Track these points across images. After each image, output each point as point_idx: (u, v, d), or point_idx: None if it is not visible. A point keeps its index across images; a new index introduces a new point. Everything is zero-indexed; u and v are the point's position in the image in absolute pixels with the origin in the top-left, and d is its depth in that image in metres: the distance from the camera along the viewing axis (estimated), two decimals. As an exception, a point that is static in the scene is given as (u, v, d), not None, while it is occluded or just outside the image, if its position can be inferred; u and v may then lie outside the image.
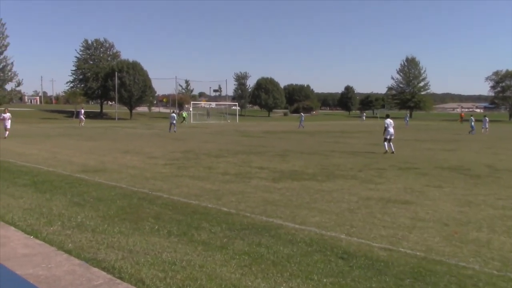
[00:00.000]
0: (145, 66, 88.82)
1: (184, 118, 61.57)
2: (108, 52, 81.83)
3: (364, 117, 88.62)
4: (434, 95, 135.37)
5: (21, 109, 74.21)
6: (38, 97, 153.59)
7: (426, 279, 5.17)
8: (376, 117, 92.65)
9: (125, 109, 78.82)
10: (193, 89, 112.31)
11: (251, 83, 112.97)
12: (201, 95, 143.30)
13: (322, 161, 16.93)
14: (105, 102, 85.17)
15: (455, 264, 5.65)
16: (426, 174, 13.73)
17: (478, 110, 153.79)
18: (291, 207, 8.80)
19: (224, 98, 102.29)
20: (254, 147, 23.16)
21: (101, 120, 67.30)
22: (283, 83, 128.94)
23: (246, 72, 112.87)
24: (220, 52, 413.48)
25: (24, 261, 5.55)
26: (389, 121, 21.03)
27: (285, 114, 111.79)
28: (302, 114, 53.65)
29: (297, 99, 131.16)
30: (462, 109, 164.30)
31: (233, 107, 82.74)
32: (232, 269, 5.35)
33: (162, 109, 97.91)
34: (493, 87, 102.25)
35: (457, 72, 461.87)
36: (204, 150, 21.02)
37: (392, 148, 20.21)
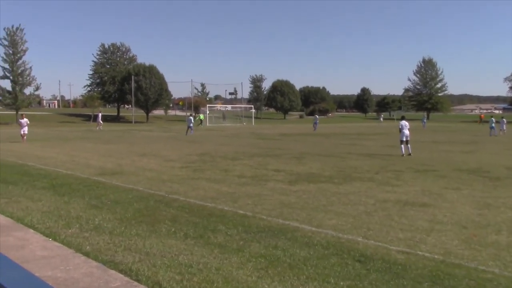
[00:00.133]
0: (161, 69, 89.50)
1: (201, 120, 61.92)
2: (124, 56, 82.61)
3: (382, 119, 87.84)
4: (451, 96, 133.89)
5: (40, 113, 75.26)
6: (56, 101, 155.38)
7: (445, 283, 5.10)
8: (393, 119, 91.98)
9: (141, 113, 79.42)
10: (208, 92, 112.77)
11: (266, 85, 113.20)
12: (217, 98, 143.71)
13: (339, 163, 16.85)
14: (122, 105, 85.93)
15: (474, 268, 5.57)
16: (444, 176, 13.58)
17: (497, 111, 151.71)
18: (308, 210, 8.77)
19: (240, 100, 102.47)
20: (270, 149, 23.14)
21: (118, 123, 67.92)
22: (298, 85, 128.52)
23: (261, 75, 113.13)
24: (236, 55, 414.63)
25: (43, 263, 5.61)
26: (404, 122, 20.78)
27: (300, 117, 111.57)
28: (316, 116, 53.45)
29: (313, 101, 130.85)
30: (481, 111, 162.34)
31: (250, 110, 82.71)
32: (248, 272, 5.34)
33: (178, 112, 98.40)
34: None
35: (475, 73, 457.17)
36: (220, 152, 21.06)
37: (409, 150, 19.99)
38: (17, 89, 60.16)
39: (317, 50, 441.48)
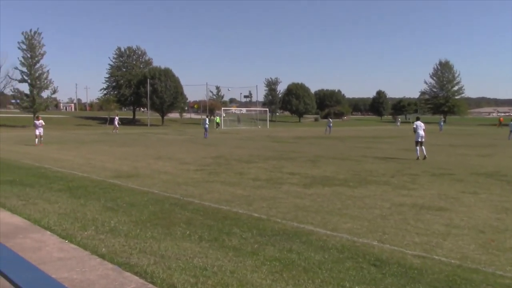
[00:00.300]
0: (177, 72, 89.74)
1: (217, 123, 62.25)
2: (140, 59, 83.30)
3: (399, 123, 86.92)
4: (468, 99, 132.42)
5: (57, 116, 76.10)
6: (72, 104, 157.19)
7: (462, 288, 5.04)
8: (410, 122, 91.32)
9: (157, 116, 79.91)
10: (223, 95, 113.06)
11: (281, 88, 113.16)
12: (232, 101, 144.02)
13: (354, 166, 16.76)
14: (137, 108, 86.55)
15: (491, 273, 5.49)
16: (461, 180, 13.43)
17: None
18: (323, 213, 8.73)
19: (255, 104, 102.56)
20: (285, 152, 23.11)
21: (134, 126, 68.39)
22: (313, 88, 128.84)
23: (277, 78, 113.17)
24: (251, 58, 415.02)
25: (59, 265, 5.66)
26: (419, 123, 20.54)
27: (316, 120, 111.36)
28: (330, 119, 53.25)
29: (328, 104, 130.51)
30: (499, 114, 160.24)
31: (265, 113, 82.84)
32: (263, 275, 5.33)
33: (193, 115, 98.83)
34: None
35: (493, 76, 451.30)
36: (235, 155, 21.09)
37: (424, 152, 19.63)
38: (34, 92, 60.92)
39: (333, 53, 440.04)
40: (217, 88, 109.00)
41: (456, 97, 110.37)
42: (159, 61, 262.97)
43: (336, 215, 8.61)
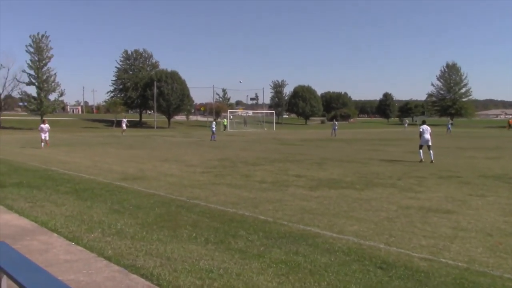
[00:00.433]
0: (183, 75, 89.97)
1: (225, 125, 62.50)
2: (147, 62, 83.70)
3: (406, 124, 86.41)
4: (476, 101, 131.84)
5: (64, 118, 76.60)
6: (79, 107, 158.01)
7: (469, 291, 5.01)
8: (417, 124, 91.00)
9: (163, 118, 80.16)
10: (230, 97, 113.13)
11: (288, 91, 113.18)
12: (238, 103, 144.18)
13: (360, 169, 16.72)
14: (144, 111, 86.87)
15: (499, 276, 5.46)
16: (468, 182, 13.36)
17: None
18: (329, 216, 8.71)
19: (261, 106, 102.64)
20: (291, 155, 23.10)
21: (141, 128, 68.63)
22: (320, 90, 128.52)
23: (283, 80, 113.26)
24: (257, 60, 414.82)
25: (66, 267, 5.68)
26: (425, 127, 20.31)
27: (322, 122, 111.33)
28: (335, 122, 53.13)
29: (335, 106, 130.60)
30: (506, 116, 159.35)
31: (271, 115, 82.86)
32: (269, 278, 5.32)
33: (200, 118, 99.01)
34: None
35: (500, 78, 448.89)
36: (241, 158, 21.10)
37: (431, 156, 19.45)
38: (42, 95, 61.39)
39: (339, 55, 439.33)
40: (224, 90, 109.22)
41: (463, 99, 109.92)
42: (165, 63, 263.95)
43: (342, 217, 8.58)
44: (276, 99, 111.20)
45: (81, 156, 21.95)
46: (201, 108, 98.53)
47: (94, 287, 5.04)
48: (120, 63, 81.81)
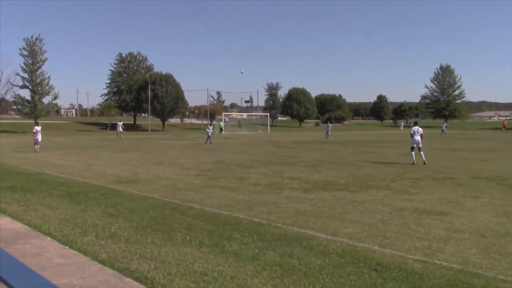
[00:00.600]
0: (178, 78, 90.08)
1: (221, 128, 62.59)
2: (141, 65, 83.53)
3: (402, 127, 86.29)
4: (469, 103, 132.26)
5: (57, 121, 76.28)
6: (73, 110, 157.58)
7: (463, 292, 5.03)
8: (411, 126, 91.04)
9: (158, 121, 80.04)
10: (224, 100, 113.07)
11: (282, 93, 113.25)
12: (233, 106, 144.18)
13: (355, 171, 16.75)
14: (138, 114, 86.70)
15: (493, 277, 5.48)
16: (462, 184, 13.41)
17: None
18: (323, 218, 8.72)
19: (256, 108, 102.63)
20: (285, 157, 23.11)
21: (135, 132, 68.43)
22: (314, 93, 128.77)
23: (277, 83, 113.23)
24: (252, 63, 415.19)
25: (60, 270, 5.65)
26: (416, 128, 20.29)
27: (316, 124, 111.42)
28: (329, 124, 53.11)
29: (329, 109, 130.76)
30: (500, 117, 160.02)
31: (265, 118, 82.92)
32: (263, 280, 5.32)
33: (194, 121, 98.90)
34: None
35: (494, 79, 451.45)
36: (236, 160, 21.09)
37: (423, 157, 19.46)
38: (36, 98, 61.08)
39: (333, 58, 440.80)
40: (218, 93, 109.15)
41: (457, 101, 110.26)
42: (160, 66, 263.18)
43: (336, 219, 8.59)
44: (271, 101, 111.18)
45: (75, 159, 21.87)
46: (196, 111, 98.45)
47: (88, 291, 5.02)
48: (114, 66, 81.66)
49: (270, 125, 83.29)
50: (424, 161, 19.20)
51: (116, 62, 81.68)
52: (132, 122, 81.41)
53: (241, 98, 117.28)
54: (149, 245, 6.74)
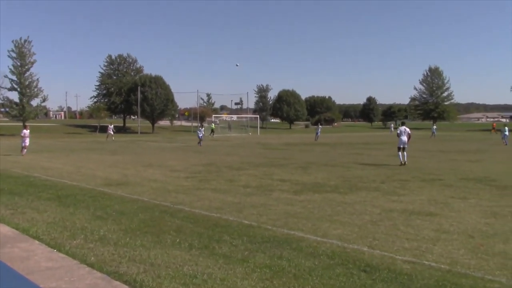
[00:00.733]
0: (168, 80, 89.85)
1: (212, 130, 62.66)
2: (131, 67, 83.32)
3: (392, 128, 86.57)
4: (458, 105, 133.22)
5: (46, 124, 75.78)
6: (62, 112, 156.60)
7: (451, 293, 5.05)
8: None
9: (147, 123, 79.78)
10: (214, 102, 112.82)
11: (272, 95, 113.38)
12: (223, 108, 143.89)
13: (344, 173, 16.81)
14: (128, 116, 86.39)
15: (481, 277, 5.52)
16: (450, 185, 13.51)
17: (503, 120, 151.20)
18: (313, 220, 8.73)
19: (246, 111, 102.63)
20: (275, 159, 23.13)
21: (124, 134, 68.14)
22: (304, 95, 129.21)
23: (267, 85, 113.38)
24: (242, 65, 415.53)
25: (48, 274, 5.60)
26: (403, 128, 20.42)
27: (306, 126, 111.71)
28: (319, 126, 53.16)
29: (319, 111, 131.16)
30: (488, 119, 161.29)
31: (257, 120, 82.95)
32: (253, 283, 5.31)
33: (184, 123, 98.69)
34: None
35: (482, 81, 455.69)
36: (226, 163, 21.07)
37: (405, 158, 19.64)
38: (24, 100, 60.67)
39: (323, 60, 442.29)
40: (208, 95, 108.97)
41: (446, 103, 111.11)
42: (150, 68, 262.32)
43: (326, 221, 8.61)
44: (261, 103, 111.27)
45: (64, 162, 21.73)
46: (185, 113, 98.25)
47: (76, 295, 4.99)
48: (104, 68, 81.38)
49: (260, 127, 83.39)
50: (405, 162, 19.35)
51: (106, 64, 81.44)
52: (122, 125, 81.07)
53: (231, 100, 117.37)
54: (138, 248, 6.71)
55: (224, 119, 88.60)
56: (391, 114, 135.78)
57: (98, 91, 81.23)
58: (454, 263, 6.04)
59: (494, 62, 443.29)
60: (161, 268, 5.79)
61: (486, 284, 5.30)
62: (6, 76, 60.52)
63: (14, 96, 62.12)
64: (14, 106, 60.77)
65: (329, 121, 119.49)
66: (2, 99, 62.84)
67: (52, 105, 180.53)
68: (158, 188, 12.89)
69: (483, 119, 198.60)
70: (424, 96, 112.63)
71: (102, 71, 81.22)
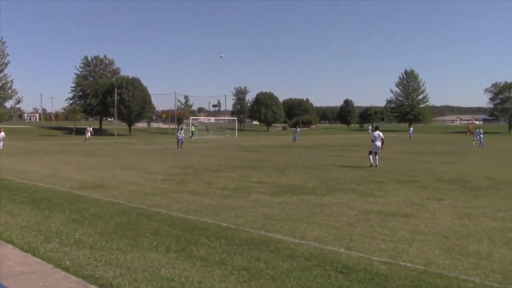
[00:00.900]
0: (145, 82, 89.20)
1: (192, 132, 62.58)
2: (108, 69, 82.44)
3: (370, 130, 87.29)
4: (433, 107, 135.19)
5: (21, 126, 74.49)
6: (37, 114, 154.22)
7: (427, 293, 5.12)
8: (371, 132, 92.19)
9: (124, 125, 79.08)
10: (192, 104, 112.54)
11: (250, 97, 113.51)
12: (201, 110, 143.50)
13: (322, 175, 16.90)
14: (104, 118, 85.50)
15: (455, 277, 5.60)
16: (426, 187, 13.70)
17: (477, 122, 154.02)
18: (290, 222, 8.76)
19: (223, 113, 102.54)
20: (253, 161, 23.14)
21: (101, 136, 67.37)
22: (282, 97, 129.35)
23: (245, 87, 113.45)
24: (220, 67, 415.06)
25: (22, 279, 5.51)
26: (377, 133, 20.44)
27: (284, 128, 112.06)
28: (297, 128, 53.27)
29: (296, 113, 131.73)
30: (462, 121, 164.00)
31: (235, 122, 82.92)
32: (231, 285, 5.30)
33: (162, 125, 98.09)
34: (492, 99, 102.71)
35: (456, 84, 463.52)
36: (203, 165, 21.00)
37: (377, 161, 19.92)
38: (-2, 102, 59.54)
39: (301, 62, 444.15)
40: (186, 97, 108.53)
41: (421, 106, 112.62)
42: (127, 70, 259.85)
43: (304, 223, 8.65)
44: (239, 106, 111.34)
45: (39, 164, 21.39)
46: (163, 115, 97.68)
47: (51, 299, 4.91)
48: (80, 69, 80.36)
49: (238, 129, 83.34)
50: (376, 164, 19.55)
51: (82, 65, 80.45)
52: (98, 127, 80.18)
53: (209, 102, 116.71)
54: (115, 251, 6.64)
55: (202, 121, 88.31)
56: (368, 116, 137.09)
57: (74, 92, 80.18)
58: (429, 264, 6.13)
59: (469, 66, 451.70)
60: (138, 272, 5.74)
61: (460, 284, 5.38)
62: (-22, 78, 59.36)
63: (-13, 98, 60.97)
64: (-13, 108, 59.65)
65: (307, 123, 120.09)
66: (-25, 101, 61.57)
67: (26, 107, 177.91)
68: (134, 191, 12.78)
69: (457, 122, 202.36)
70: (400, 98, 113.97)
71: (78, 72, 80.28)
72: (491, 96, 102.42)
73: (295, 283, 5.37)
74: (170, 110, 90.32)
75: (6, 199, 11.34)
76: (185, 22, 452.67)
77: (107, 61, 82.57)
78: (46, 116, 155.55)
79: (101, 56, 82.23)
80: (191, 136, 59.82)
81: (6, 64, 60.51)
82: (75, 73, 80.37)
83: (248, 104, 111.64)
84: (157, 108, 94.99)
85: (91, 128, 51.33)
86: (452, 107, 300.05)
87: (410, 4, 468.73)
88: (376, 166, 19.49)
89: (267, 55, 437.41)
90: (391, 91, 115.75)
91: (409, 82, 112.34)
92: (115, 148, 37.54)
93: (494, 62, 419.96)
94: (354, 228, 8.24)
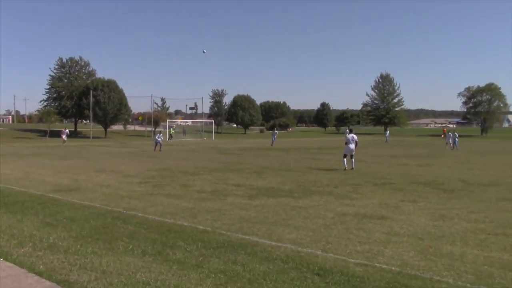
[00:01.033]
0: (121, 84, 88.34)
1: (171, 135, 62.30)
2: (83, 71, 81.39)
3: (347, 134, 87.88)
4: (408, 111, 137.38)
5: (-7, 128, 72.94)
6: (10, 116, 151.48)
7: (402, 294, 5.17)
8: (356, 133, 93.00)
9: (99, 128, 78.18)
10: (169, 106, 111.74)
11: (227, 100, 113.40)
12: (177, 112, 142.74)
13: (299, 177, 16.97)
14: (79, 120, 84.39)
15: (429, 278, 5.68)
16: (401, 189, 13.87)
17: (451, 125, 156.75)
18: (267, 224, 8.77)
19: (200, 115, 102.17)
20: (230, 164, 23.11)
21: (76, 139, 66.46)
22: (259, 100, 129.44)
23: (223, 90, 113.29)
24: (197, 69, 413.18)
25: (-7, 284, 5.40)
26: (351, 136, 20.59)
27: (261, 131, 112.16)
28: (275, 131, 53.33)
29: (274, 116, 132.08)
30: (436, 124, 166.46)
31: (212, 124, 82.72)
32: (207, 288, 5.28)
33: (138, 127, 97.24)
34: (465, 103, 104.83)
35: (431, 88, 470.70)
36: (180, 167, 20.89)
37: (353, 164, 20.09)
38: (-31, 104, 58.33)
39: (278, 65, 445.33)
40: (163, 99, 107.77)
41: (396, 109, 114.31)
42: (103, 72, 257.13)
43: (280, 225, 8.67)
44: (216, 108, 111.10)
45: (12, 167, 20.99)
46: (139, 118, 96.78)
47: (24, 305, 4.82)
48: (55, 71, 79.16)
49: (215, 132, 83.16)
50: (352, 167, 19.72)
51: (57, 67, 79.25)
52: (73, 129, 79.08)
53: (186, 105, 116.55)
54: (90, 255, 6.55)
55: (179, 123, 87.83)
56: (344, 119, 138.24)
57: (48, 94, 78.87)
58: (404, 265, 6.20)
59: (443, 70, 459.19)
60: (113, 276, 5.68)
61: (434, 285, 5.46)
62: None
63: (-42, 99, 59.71)
64: (-42, 109, 58.38)
65: (284, 126, 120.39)
66: None
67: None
68: (110, 194, 12.64)
69: (431, 125, 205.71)
70: (376, 102, 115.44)
71: (52, 74, 79.04)
72: (464, 100, 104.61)
73: (272, 286, 5.38)
74: (147, 112, 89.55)
75: (-22, 202, 11.10)
76: (162, 24, 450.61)
77: (83, 63, 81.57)
78: (19, 118, 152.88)
79: (77, 57, 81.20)
80: (170, 139, 59.49)
81: (-22, 65, 59.35)
82: (50, 75, 79.21)
83: (226, 107, 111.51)
84: (133, 111, 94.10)
85: (67, 130, 50.64)
86: (427, 110, 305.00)
87: (385, 8, 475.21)
88: (352, 168, 19.66)
89: (244, 58, 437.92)
90: (367, 95, 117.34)
91: (385, 86, 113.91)
92: (90, 150, 37.09)
93: (468, 67, 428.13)
94: (331, 230, 8.29)
